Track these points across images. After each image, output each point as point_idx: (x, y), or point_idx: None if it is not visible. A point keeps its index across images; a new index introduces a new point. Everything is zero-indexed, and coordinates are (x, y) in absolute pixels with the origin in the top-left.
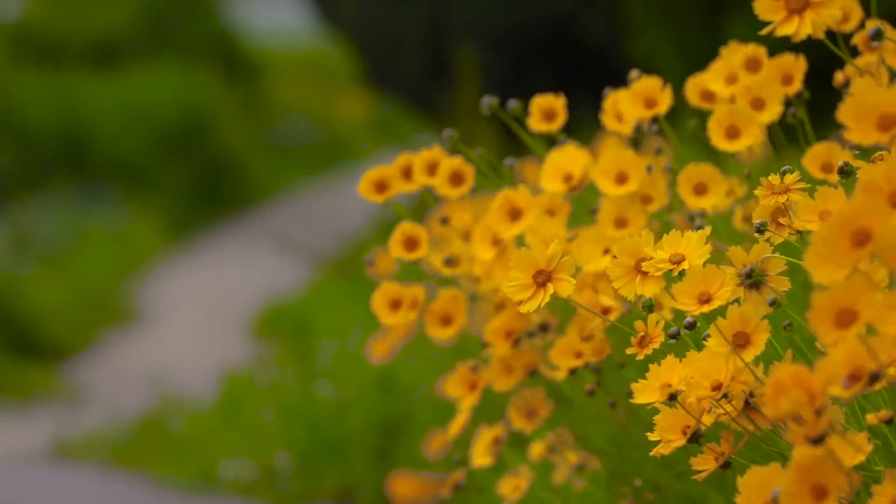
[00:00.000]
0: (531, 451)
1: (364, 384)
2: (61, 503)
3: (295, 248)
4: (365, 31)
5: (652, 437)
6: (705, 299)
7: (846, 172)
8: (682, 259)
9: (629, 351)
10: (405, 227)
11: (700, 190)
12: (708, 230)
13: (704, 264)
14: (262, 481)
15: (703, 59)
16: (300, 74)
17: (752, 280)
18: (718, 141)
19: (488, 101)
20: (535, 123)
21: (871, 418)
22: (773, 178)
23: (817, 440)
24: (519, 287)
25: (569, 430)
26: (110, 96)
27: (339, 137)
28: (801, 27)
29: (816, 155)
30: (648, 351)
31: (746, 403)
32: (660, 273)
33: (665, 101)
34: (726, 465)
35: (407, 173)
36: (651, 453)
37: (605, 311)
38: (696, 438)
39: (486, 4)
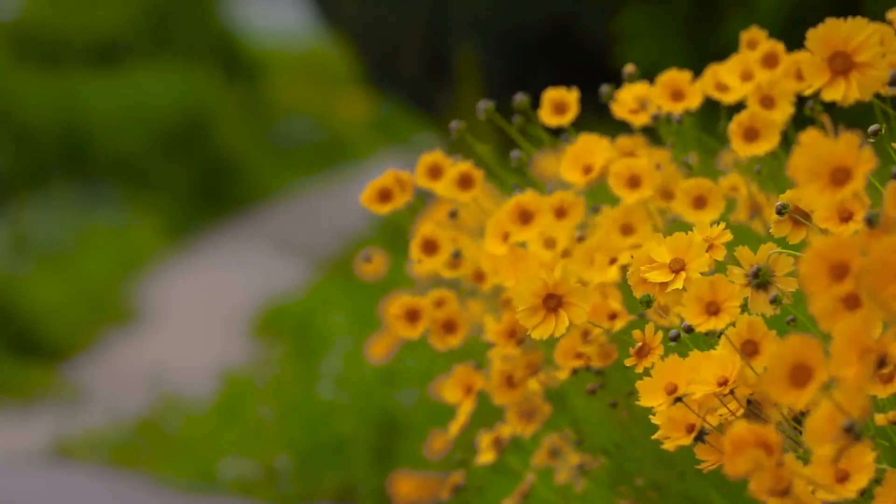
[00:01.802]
0: (535, 458)
1: (364, 384)
2: (61, 503)
3: (295, 248)
4: (365, 31)
5: (656, 435)
6: (713, 310)
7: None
8: (684, 267)
9: (628, 363)
10: (425, 230)
11: (699, 203)
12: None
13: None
14: (262, 481)
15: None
16: (300, 74)
17: (759, 280)
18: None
19: (484, 106)
20: (547, 117)
21: (880, 419)
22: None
23: (783, 492)
24: (528, 311)
25: (570, 430)
26: (110, 96)
27: (339, 137)
28: (848, 90)
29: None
30: (647, 363)
31: (748, 402)
32: (664, 281)
33: (695, 96)
34: None
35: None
36: (660, 445)
37: (613, 315)
38: (701, 437)
39: (486, 4)
